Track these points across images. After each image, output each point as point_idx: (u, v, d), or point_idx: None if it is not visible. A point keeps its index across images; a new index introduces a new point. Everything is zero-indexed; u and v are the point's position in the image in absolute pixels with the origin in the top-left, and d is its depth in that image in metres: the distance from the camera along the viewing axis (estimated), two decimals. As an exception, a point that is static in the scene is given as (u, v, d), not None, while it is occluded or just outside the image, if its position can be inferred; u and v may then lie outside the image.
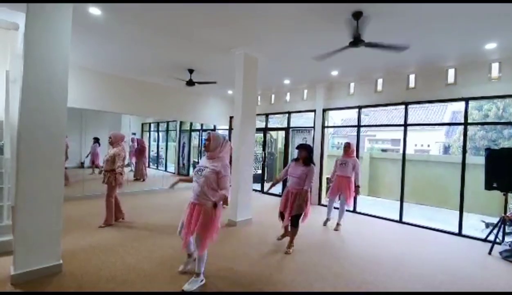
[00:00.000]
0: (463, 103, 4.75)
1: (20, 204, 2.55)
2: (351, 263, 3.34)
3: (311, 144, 6.71)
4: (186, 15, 3.37)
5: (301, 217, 3.57)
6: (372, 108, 6.63)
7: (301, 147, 3.65)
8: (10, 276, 2.53)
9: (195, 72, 5.80)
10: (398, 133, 6.91)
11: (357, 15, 3.07)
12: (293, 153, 7.27)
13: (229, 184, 2.59)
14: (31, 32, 2.57)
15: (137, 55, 5.05)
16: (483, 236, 4.37)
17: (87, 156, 7.12)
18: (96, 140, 7.06)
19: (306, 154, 3.58)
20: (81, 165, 7.01)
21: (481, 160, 4.65)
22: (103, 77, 6.31)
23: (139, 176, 7.89)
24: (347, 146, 4.84)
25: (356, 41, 3.17)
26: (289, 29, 3.69)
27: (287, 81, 6.64)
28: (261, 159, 8.45)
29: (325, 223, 4.88)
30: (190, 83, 5.80)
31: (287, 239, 3.75)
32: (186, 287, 2.53)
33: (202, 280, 2.64)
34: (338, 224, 4.70)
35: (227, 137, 2.75)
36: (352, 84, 6.22)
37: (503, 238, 4.05)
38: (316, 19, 3.32)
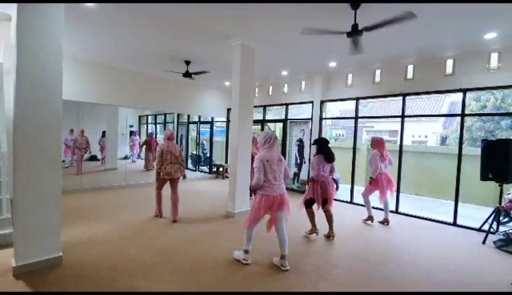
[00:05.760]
0: (461, 94, 4.75)
1: (18, 197, 2.55)
2: (350, 251, 3.41)
3: (309, 137, 6.75)
4: (183, 3, 3.30)
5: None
6: (370, 100, 6.62)
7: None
8: (12, 268, 2.56)
9: (192, 63, 5.73)
10: (396, 125, 6.92)
11: (355, 4, 3.03)
12: (291, 145, 7.28)
13: (255, 174, 2.85)
14: (23, 23, 2.52)
15: (133, 45, 4.98)
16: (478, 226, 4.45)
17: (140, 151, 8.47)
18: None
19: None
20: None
21: (477, 150, 4.68)
22: (100, 68, 6.23)
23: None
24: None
25: (354, 31, 3.14)
26: (287, 19, 3.64)
27: (285, 73, 6.59)
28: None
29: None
30: (187, 75, 5.75)
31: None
32: None
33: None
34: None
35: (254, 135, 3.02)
36: (350, 76, 6.18)
37: (497, 228, 4.12)
38: (314, 8, 3.27)
